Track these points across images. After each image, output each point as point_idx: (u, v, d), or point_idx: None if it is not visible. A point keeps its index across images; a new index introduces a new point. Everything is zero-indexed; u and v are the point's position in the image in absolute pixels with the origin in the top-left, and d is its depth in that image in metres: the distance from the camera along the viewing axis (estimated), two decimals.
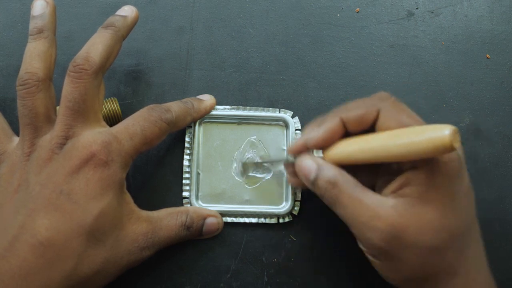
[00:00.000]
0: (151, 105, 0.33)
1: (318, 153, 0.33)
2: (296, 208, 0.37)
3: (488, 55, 0.40)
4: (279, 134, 0.38)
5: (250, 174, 0.37)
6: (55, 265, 0.27)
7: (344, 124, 0.30)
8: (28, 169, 0.30)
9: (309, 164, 0.31)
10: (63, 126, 0.30)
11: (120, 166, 0.30)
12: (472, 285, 0.29)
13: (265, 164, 0.37)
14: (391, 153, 0.27)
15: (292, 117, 0.38)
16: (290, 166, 0.34)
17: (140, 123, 0.31)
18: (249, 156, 0.38)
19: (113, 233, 0.30)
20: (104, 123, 0.32)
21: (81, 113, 0.30)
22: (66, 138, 0.30)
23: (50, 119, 0.31)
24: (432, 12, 0.41)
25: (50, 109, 0.31)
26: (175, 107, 0.34)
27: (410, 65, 0.40)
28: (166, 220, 0.33)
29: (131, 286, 0.36)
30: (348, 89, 0.39)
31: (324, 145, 0.31)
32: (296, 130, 0.38)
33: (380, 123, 0.29)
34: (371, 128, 0.30)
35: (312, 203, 0.37)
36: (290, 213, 0.37)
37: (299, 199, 0.37)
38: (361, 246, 0.30)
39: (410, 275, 0.29)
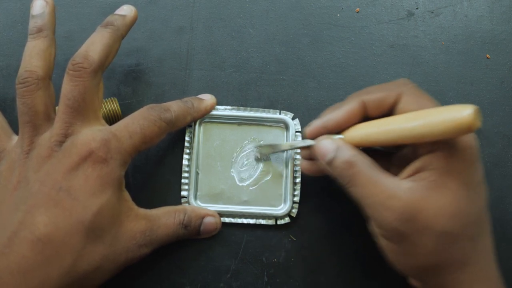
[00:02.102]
0: (151, 105, 0.33)
1: (335, 137, 0.33)
2: (294, 210, 0.37)
3: (488, 55, 0.40)
4: (279, 135, 0.38)
5: (266, 157, 0.37)
6: (53, 262, 0.27)
7: (363, 107, 0.31)
8: (27, 167, 0.30)
9: (328, 144, 0.31)
10: (62, 124, 0.30)
11: (119, 164, 0.30)
12: (481, 276, 0.29)
13: (282, 149, 0.36)
14: (412, 133, 0.27)
15: (293, 119, 0.38)
16: (306, 150, 0.34)
17: (139, 122, 0.31)
18: (249, 149, 0.38)
19: (111, 230, 0.30)
20: (103, 121, 0.33)
21: (80, 111, 0.30)
22: (65, 136, 0.30)
23: (49, 117, 0.31)
24: (432, 12, 0.41)
25: (49, 107, 0.32)
26: (174, 107, 0.34)
27: (410, 65, 0.40)
28: (164, 218, 0.33)
29: (131, 286, 0.36)
30: (348, 89, 0.39)
31: (343, 127, 0.31)
32: (296, 132, 0.38)
33: (400, 107, 0.30)
34: (390, 112, 0.30)
35: (311, 201, 0.37)
36: (288, 214, 0.37)
37: (298, 201, 0.37)
38: (374, 228, 0.30)
39: (421, 261, 0.29)
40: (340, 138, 0.31)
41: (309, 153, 0.34)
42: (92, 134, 0.30)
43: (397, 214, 0.27)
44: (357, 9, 0.41)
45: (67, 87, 0.31)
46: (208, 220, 0.35)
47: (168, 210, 0.34)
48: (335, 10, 0.41)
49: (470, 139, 0.28)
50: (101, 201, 0.29)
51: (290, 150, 0.37)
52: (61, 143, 0.30)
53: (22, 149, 0.31)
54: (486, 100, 0.40)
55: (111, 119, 0.36)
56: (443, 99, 0.39)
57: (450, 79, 0.40)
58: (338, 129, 0.32)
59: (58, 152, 0.30)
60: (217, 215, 0.36)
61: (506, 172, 0.39)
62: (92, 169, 0.29)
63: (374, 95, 0.31)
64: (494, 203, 0.38)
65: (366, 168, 0.29)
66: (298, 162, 0.37)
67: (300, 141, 0.36)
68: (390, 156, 0.33)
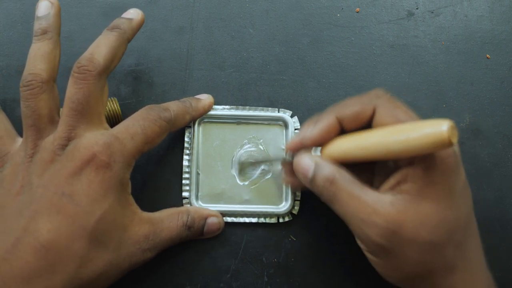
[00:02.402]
0: (150, 105, 0.33)
1: (316, 152, 0.33)
2: (296, 208, 0.37)
3: (488, 55, 0.40)
4: (279, 133, 0.38)
5: (248, 173, 0.37)
6: (57, 268, 0.27)
7: (340, 122, 0.30)
8: (31, 171, 0.30)
9: (307, 162, 0.31)
10: (66, 127, 0.30)
11: (122, 167, 0.30)
12: (470, 280, 0.29)
13: (263, 164, 0.37)
14: (388, 150, 0.27)
15: (292, 116, 0.38)
16: (288, 165, 0.34)
17: (140, 123, 0.31)
18: (244, 153, 0.38)
19: (115, 235, 0.30)
20: (107, 125, 0.32)
21: (84, 115, 0.30)
22: (68, 139, 0.30)
23: (53, 121, 0.31)
24: (432, 12, 0.41)
25: (53, 111, 0.31)
26: (173, 106, 0.34)
27: (410, 65, 0.40)
28: (168, 221, 0.33)
29: (131, 286, 0.36)
30: (348, 89, 0.39)
31: (320, 143, 0.31)
32: (295, 129, 0.38)
33: (376, 120, 0.29)
34: (367, 125, 0.30)
35: (312, 203, 0.37)
36: (290, 212, 0.37)
37: (299, 198, 0.37)
38: (359, 243, 0.30)
39: (409, 272, 0.29)
40: (318, 154, 0.31)
41: (290, 168, 0.34)
42: (94, 138, 0.30)
43: (379, 230, 0.27)
44: (357, 9, 0.41)
45: (72, 89, 0.30)
46: (211, 220, 0.35)
47: (171, 212, 0.34)
48: (335, 10, 0.41)
49: (449, 149, 0.28)
50: (104, 206, 0.29)
51: (271, 163, 0.37)
52: (64, 146, 0.30)
53: (25, 153, 0.30)
54: (486, 100, 0.40)
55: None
56: (443, 99, 0.39)
57: (450, 79, 0.40)
58: (315, 145, 0.32)
59: (61, 156, 0.29)
60: (220, 215, 0.36)
61: (506, 172, 0.39)
62: (95, 174, 0.29)
63: (349, 110, 0.30)
64: (494, 203, 0.38)
65: (347, 184, 0.29)
66: None
67: (279, 156, 0.37)
68: (372, 166, 0.33)
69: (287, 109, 0.38)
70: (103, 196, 0.29)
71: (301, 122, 0.38)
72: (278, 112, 0.38)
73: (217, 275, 0.36)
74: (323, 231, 0.37)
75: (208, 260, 0.36)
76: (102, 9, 0.40)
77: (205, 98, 0.37)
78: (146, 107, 0.33)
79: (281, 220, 0.37)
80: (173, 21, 0.40)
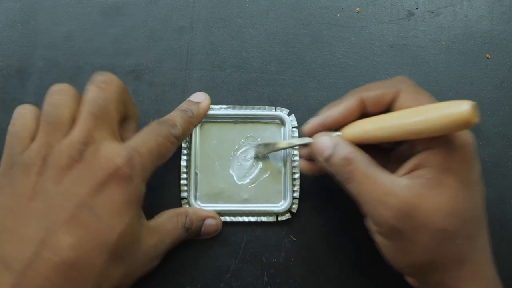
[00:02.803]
0: (158, 120, 0.32)
1: (333, 134, 0.33)
2: (295, 206, 0.37)
3: (488, 55, 0.40)
4: (276, 132, 0.38)
5: (262, 157, 0.37)
6: (77, 284, 0.27)
7: (362, 104, 0.31)
8: (45, 176, 0.28)
9: (326, 141, 0.31)
10: (83, 132, 0.28)
11: (141, 180, 0.29)
12: (479, 274, 0.29)
13: (278, 149, 0.36)
14: (409, 129, 0.27)
15: (289, 114, 0.38)
16: (304, 149, 0.34)
17: (155, 138, 0.31)
18: (246, 147, 0.38)
19: (132, 249, 0.30)
20: (119, 136, 0.31)
21: (103, 121, 0.29)
22: (85, 144, 0.28)
23: (72, 124, 0.30)
24: (432, 12, 0.41)
25: (75, 113, 0.30)
26: (179, 120, 0.33)
27: (410, 65, 0.40)
28: (169, 225, 0.33)
29: (131, 286, 0.36)
30: (348, 89, 0.39)
31: (341, 124, 0.31)
32: (292, 127, 0.38)
33: (398, 104, 0.30)
34: (388, 109, 0.30)
35: (310, 201, 0.37)
36: (289, 211, 0.37)
37: (298, 197, 0.37)
38: (371, 225, 0.30)
39: (418, 259, 0.29)
40: (338, 135, 0.32)
41: (307, 152, 0.34)
42: (116, 149, 0.29)
43: (394, 211, 0.28)
44: (357, 9, 0.41)
45: (93, 94, 0.30)
46: (209, 222, 0.35)
47: (170, 215, 0.34)
48: (335, 10, 0.41)
49: (467, 137, 0.28)
50: (126, 220, 0.28)
51: (288, 148, 0.37)
52: (81, 151, 0.28)
53: (37, 153, 0.28)
54: (486, 100, 0.40)
55: None
56: (443, 99, 0.39)
57: (450, 79, 0.40)
58: (336, 126, 0.32)
59: (79, 163, 0.28)
60: (218, 217, 0.36)
61: (506, 172, 0.39)
62: (116, 187, 0.28)
63: (372, 92, 0.31)
64: (494, 203, 0.38)
65: (364, 165, 0.29)
66: (296, 158, 0.37)
67: (297, 139, 0.36)
68: (388, 153, 0.33)
69: (287, 108, 0.38)
70: (124, 210, 0.28)
71: (299, 120, 0.38)
72: (275, 110, 0.38)
73: (217, 275, 0.36)
74: (323, 230, 0.37)
75: (208, 260, 0.36)
76: (102, 9, 0.40)
77: (203, 100, 0.36)
78: (156, 121, 0.32)
79: (280, 218, 0.37)
80: (173, 21, 0.40)
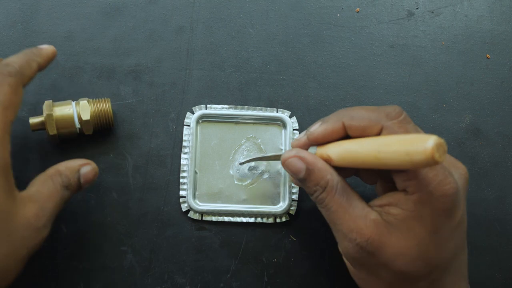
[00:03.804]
0: None
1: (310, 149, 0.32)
2: (293, 208, 0.37)
3: (488, 55, 0.40)
4: (277, 133, 0.38)
5: (246, 171, 0.37)
6: None
7: (345, 128, 0.30)
8: None
9: (297, 163, 0.30)
10: None
11: None
12: None
13: (262, 162, 0.37)
14: (378, 160, 0.26)
15: (290, 116, 0.38)
16: None
17: None
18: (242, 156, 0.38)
19: (5, 227, 0.28)
20: None
21: None
22: None
23: None
24: (432, 12, 0.41)
25: None
26: (13, 58, 0.31)
27: (410, 65, 0.40)
28: (46, 190, 0.31)
29: (131, 286, 0.36)
30: (348, 89, 0.39)
31: (323, 142, 0.31)
32: (294, 130, 0.38)
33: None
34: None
35: (309, 203, 0.37)
36: (287, 212, 0.37)
37: (296, 199, 0.37)
38: (340, 250, 0.31)
39: None
40: (311, 152, 0.31)
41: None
42: None
43: (357, 247, 0.27)
44: (357, 9, 0.41)
45: None
46: (85, 170, 0.32)
47: (43, 179, 0.32)
48: (335, 10, 0.41)
49: (449, 187, 0.26)
50: None
51: (264, 161, 0.37)
52: None
53: None
54: (486, 100, 0.40)
55: (102, 119, 0.36)
56: (443, 99, 0.39)
57: (450, 79, 0.40)
58: (317, 143, 0.31)
59: None
60: (92, 162, 0.33)
61: (506, 172, 0.39)
62: None
63: (356, 122, 0.29)
64: (494, 203, 0.38)
65: (337, 192, 0.28)
66: None
67: (278, 153, 0.34)
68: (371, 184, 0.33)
69: (287, 109, 0.38)
70: None
71: (300, 122, 0.38)
72: (277, 112, 0.38)
73: (217, 275, 0.36)
74: (323, 231, 0.37)
75: (208, 260, 0.36)
76: (102, 9, 0.40)
77: (46, 46, 0.33)
78: None
79: (278, 220, 0.37)
80: (173, 21, 0.40)
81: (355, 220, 0.28)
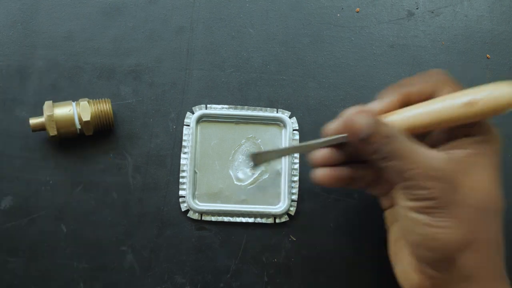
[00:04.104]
0: None
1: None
2: (292, 209, 0.37)
3: (488, 55, 0.40)
4: (277, 134, 0.38)
5: (259, 168, 0.37)
6: None
7: (403, 100, 0.30)
8: None
9: (363, 119, 0.29)
10: None
11: None
12: (498, 260, 0.29)
13: (285, 154, 0.35)
14: (454, 113, 0.28)
15: (290, 117, 0.38)
16: (320, 154, 0.32)
17: None
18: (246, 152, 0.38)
19: None
20: None
21: None
22: None
23: None
24: (432, 12, 0.41)
25: None
26: None
27: (410, 65, 0.40)
28: None
29: (131, 286, 0.36)
30: (348, 89, 0.39)
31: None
32: (294, 130, 0.38)
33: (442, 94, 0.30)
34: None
35: (309, 203, 0.37)
36: (286, 213, 0.37)
37: (296, 199, 0.37)
38: (407, 202, 0.29)
39: (454, 237, 0.28)
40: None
41: (327, 155, 0.32)
42: None
43: (441, 184, 0.28)
44: (357, 9, 0.41)
45: None
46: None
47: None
48: (335, 10, 0.41)
49: (497, 131, 0.30)
50: None
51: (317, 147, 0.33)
52: None
53: None
54: None
55: (102, 120, 0.36)
56: None
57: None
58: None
59: None
60: None
61: (506, 172, 0.39)
62: None
63: (415, 86, 0.31)
64: None
65: (405, 140, 0.29)
66: (296, 161, 0.37)
67: (320, 140, 0.31)
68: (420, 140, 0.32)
69: (287, 109, 0.38)
70: None
71: (300, 122, 0.38)
72: (277, 112, 0.38)
73: (217, 275, 0.36)
74: (322, 231, 0.37)
75: (208, 260, 0.36)
76: (102, 9, 0.40)
77: None
78: None
79: (277, 220, 0.37)
80: (173, 21, 0.40)
81: (431, 160, 0.28)
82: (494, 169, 0.29)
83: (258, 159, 0.33)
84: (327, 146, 0.31)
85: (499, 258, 0.29)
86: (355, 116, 0.30)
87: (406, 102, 0.31)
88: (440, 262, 0.29)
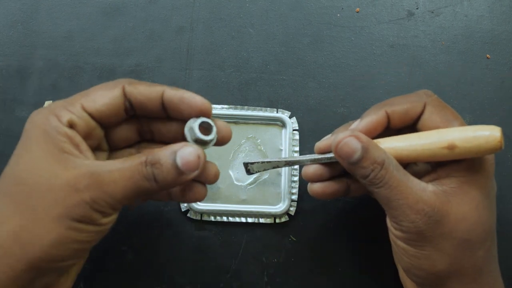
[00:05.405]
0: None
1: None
2: (292, 209, 0.37)
3: (488, 55, 0.40)
4: (277, 134, 0.38)
5: (254, 174, 0.36)
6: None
7: (387, 118, 0.30)
8: None
9: (355, 142, 0.29)
10: None
11: None
12: (491, 285, 0.29)
13: (278, 166, 0.34)
14: (437, 154, 0.28)
15: (290, 117, 0.38)
16: (311, 169, 0.32)
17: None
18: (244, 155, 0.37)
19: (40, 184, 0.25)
20: None
21: None
22: None
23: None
24: (432, 12, 0.41)
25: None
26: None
27: (410, 65, 0.40)
28: (118, 164, 0.26)
29: (131, 286, 0.36)
30: (348, 89, 0.39)
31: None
32: (293, 130, 0.38)
33: (424, 118, 0.30)
34: (413, 125, 0.30)
35: (308, 204, 0.37)
36: (286, 213, 0.37)
37: (296, 199, 0.37)
38: (395, 232, 0.30)
39: (439, 267, 0.29)
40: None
41: (318, 172, 0.32)
42: None
43: (426, 218, 0.28)
44: (357, 9, 0.41)
45: None
46: (184, 152, 0.26)
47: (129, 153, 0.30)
48: (335, 10, 0.41)
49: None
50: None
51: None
52: None
53: None
54: (486, 100, 0.40)
55: None
56: (443, 99, 0.39)
57: (450, 79, 0.40)
58: None
59: None
60: (195, 145, 0.28)
61: (506, 172, 0.39)
62: None
63: (398, 106, 0.30)
64: None
65: (395, 170, 0.29)
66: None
67: (306, 157, 0.32)
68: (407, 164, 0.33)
69: (287, 109, 0.38)
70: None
71: (300, 122, 0.38)
72: (277, 112, 0.38)
73: (217, 275, 0.36)
74: (322, 231, 0.37)
75: (208, 260, 0.36)
76: (102, 9, 0.40)
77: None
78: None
79: (277, 220, 0.37)
80: (173, 21, 0.40)
81: (417, 192, 0.28)
82: (484, 196, 0.28)
83: (252, 168, 0.33)
84: (319, 163, 0.32)
85: (488, 280, 0.29)
86: (346, 139, 0.29)
87: (391, 122, 0.30)
88: (429, 285, 0.30)
